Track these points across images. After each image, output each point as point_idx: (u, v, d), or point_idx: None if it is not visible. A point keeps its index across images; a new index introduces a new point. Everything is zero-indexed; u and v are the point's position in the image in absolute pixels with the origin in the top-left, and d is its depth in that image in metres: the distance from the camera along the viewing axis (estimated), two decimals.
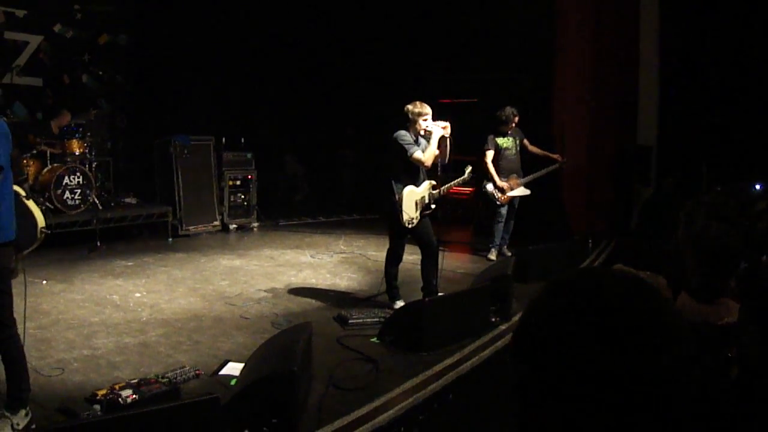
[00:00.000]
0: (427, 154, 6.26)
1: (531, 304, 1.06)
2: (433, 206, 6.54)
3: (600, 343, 0.94)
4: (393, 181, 6.39)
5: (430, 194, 6.48)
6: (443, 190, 6.62)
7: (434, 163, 6.39)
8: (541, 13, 10.22)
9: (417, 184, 6.42)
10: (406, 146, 6.29)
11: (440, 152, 6.35)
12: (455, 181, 6.78)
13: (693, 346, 0.98)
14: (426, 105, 6.40)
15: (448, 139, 6.35)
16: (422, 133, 6.36)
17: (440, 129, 6.30)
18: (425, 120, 6.34)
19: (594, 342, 0.94)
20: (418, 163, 6.30)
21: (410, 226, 6.36)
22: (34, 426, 3.94)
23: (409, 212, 6.31)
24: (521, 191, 8.98)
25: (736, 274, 2.80)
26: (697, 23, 9.23)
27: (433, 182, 6.53)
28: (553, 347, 0.97)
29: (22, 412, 3.95)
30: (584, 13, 9.77)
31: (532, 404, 1.01)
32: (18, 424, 3.89)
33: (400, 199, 6.29)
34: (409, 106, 6.40)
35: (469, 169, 6.83)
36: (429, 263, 6.59)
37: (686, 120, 9.37)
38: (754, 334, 2.48)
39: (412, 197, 6.36)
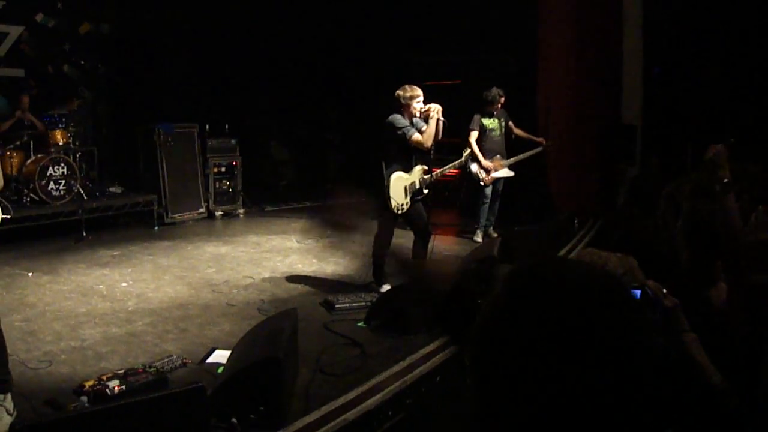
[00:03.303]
0: (426, 135, 6.26)
1: (488, 308, 1.03)
2: (425, 191, 6.53)
3: (565, 342, 0.93)
4: (384, 166, 6.39)
5: (421, 179, 6.47)
6: (437, 175, 6.60)
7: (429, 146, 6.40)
8: None
9: (408, 169, 6.42)
10: (403, 130, 6.28)
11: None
12: (451, 164, 6.74)
13: (655, 336, 0.99)
14: (416, 88, 6.40)
15: (441, 121, 6.34)
16: (418, 115, 6.35)
17: (437, 110, 6.28)
18: (419, 102, 6.34)
19: (560, 340, 0.93)
20: (418, 145, 6.28)
21: (399, 212, 6.36)
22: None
23: (397, 198, 6.31)
24: (505, 173, 9.02)
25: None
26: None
27: (425, 167, 6.51)
28: (517, 350, 0.95)
29: (9, 396, 3.97)
30: None
31: (495, 407, 1.00)
32: (9, 411, 3.91)
33: (388, 185, 6.29)
34: (400, 92, 6.39)
35: (467, 152, 6.82)
36: (420, 245, 6.60)
37: (671, 98, 9.37)
38: (742, 311, 2.51)
39: (400, 183, 6.35)
